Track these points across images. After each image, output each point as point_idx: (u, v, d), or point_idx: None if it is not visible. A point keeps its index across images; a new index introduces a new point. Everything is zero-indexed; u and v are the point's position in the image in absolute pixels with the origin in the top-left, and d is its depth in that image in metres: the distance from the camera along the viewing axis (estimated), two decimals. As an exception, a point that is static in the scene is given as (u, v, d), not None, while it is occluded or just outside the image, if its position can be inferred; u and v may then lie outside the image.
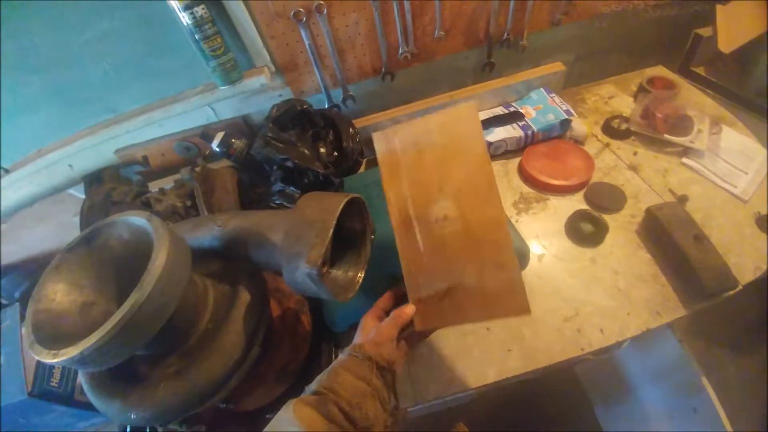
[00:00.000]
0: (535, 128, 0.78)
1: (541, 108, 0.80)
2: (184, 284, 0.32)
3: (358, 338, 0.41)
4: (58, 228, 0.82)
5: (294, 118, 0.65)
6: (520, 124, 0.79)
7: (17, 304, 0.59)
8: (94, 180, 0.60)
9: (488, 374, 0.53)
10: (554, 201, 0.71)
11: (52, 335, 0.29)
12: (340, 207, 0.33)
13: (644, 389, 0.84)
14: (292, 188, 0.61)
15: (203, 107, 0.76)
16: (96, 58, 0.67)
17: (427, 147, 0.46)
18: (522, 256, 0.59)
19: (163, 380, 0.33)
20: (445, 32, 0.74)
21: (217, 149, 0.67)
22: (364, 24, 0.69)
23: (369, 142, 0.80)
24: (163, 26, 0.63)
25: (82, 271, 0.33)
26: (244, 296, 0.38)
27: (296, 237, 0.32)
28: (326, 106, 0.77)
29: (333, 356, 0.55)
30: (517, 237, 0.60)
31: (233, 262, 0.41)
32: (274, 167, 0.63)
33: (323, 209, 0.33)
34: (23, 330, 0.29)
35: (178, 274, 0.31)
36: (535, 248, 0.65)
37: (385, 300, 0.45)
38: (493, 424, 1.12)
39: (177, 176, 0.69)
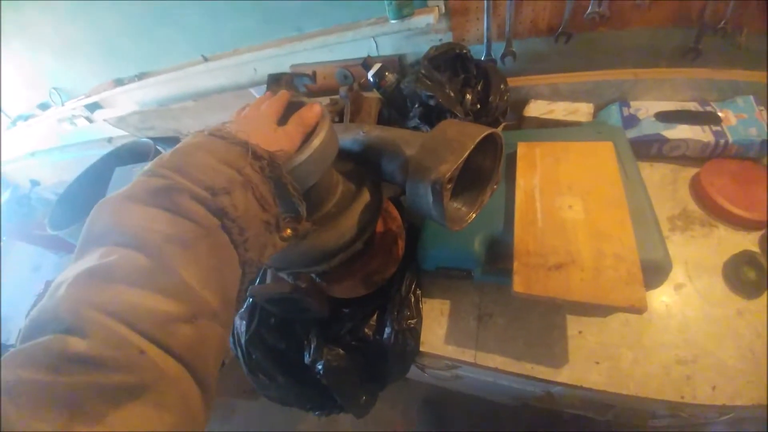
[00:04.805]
0: (730, 138, 0.62)
1: (745, 118, 0.63)
2: (328, 165, 0.38)
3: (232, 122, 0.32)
4: (236, 116, 1.04)
5: (449, 60, 0.66)
6: (714, 129, 0.64)
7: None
8: (274, 80, 0.73)
9: (562, 373, 0.49)
10: (722, 231, 0.58)
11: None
12: (483, 135, 0.33)
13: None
14: (427, 127, 0.63)
15: (368, 39, 0.82)
16: (297, -21, 0.77)
17: (564, 160, 0.54)
18: (659, 271, 0.50)
19: (291, 236, 0.40)
20: (651, 0, 0.62)
21: (372, 78, 0.73)
22: (558, -28, 0.62)
23: (516, 104, 0.76)
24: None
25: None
26: (365, 197, 0.43)
27: (431, 151, 0.34)
28: (483, 58, 0.74)
29: (412, 288, 0.58)
30: (660, 247, 0.50)
31: (364, 168, 0.46)
32: (416, 104, 0.65)
33: (464, 133, 0.34)
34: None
35: (327, 154, 0.36)
36: (677, 275, 0.55)
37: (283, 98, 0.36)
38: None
39: (333, 96, 0.78)
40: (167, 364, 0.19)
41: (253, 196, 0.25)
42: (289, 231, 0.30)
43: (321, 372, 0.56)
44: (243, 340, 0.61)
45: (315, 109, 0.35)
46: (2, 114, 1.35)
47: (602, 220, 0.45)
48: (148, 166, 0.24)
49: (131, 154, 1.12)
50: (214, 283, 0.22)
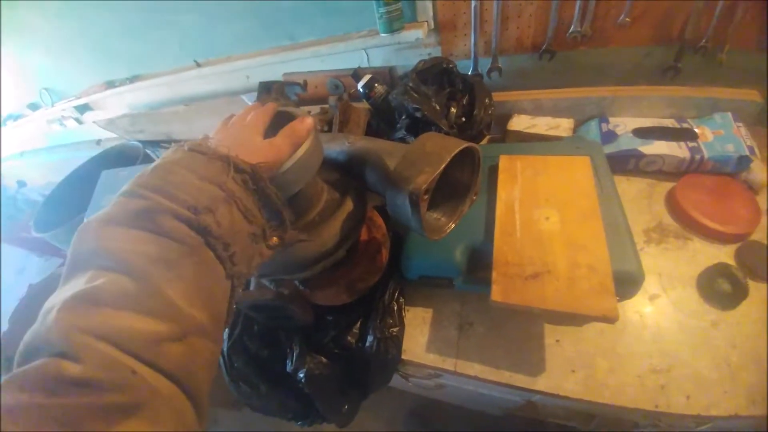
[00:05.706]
0: (706, 154, 0.64)
1: (722, 134, 0.65)
2: (313, 173, 0.38)
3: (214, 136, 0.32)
4: (226, 122, 1.05)
5: (436, 75, 0.68)
6: (690, 144, 0.66)
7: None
8: (265, 88, 0.74)
9: (539, 381, 0.50)
10: (697, 244, 0.60)
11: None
12: (459, 148, 0.34)
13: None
14: (413, 138, 0.64)
15: (360, 51, 0.84)
16: (292, -11, 0.78)
17: (543, 173, 0.56)
18: (631, 282, 0.52)
19: (273, 243, 0.41)
20: (632, 20, 0.65)
21: (361, 89, 0.74)
22: (542, -7, 0.65)
23: (500, 118, 0.78)
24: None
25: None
26: (349, 206, 0.44)
27: (410, 163, 0.35)
28: (470, 72, 0.77)
29: (395, 296, 0.58)
30: (633, 259, 0.52)
31: (348, 177, 0.46)
32: (403, 116, 0.67)
33: (442, 146, 0.35)
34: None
35: (312, 163, 0.37)
36: (651, 286, 0.56)
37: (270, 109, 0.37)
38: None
39: (323, 105, 0.79)
40: (159, 382, 0.19)
41: (238, 210, 0.25)
42: (275, 239, 0.30)
43: (303, 380, 0.56)
44: (225, 348, 0.60)
45: (307, 122, 0.35)
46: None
47: (577, 231, 0.46)
48: (127, 185, 0.24)
49: (120, 157, 1.11)
50: (202, 300, 0.22)
